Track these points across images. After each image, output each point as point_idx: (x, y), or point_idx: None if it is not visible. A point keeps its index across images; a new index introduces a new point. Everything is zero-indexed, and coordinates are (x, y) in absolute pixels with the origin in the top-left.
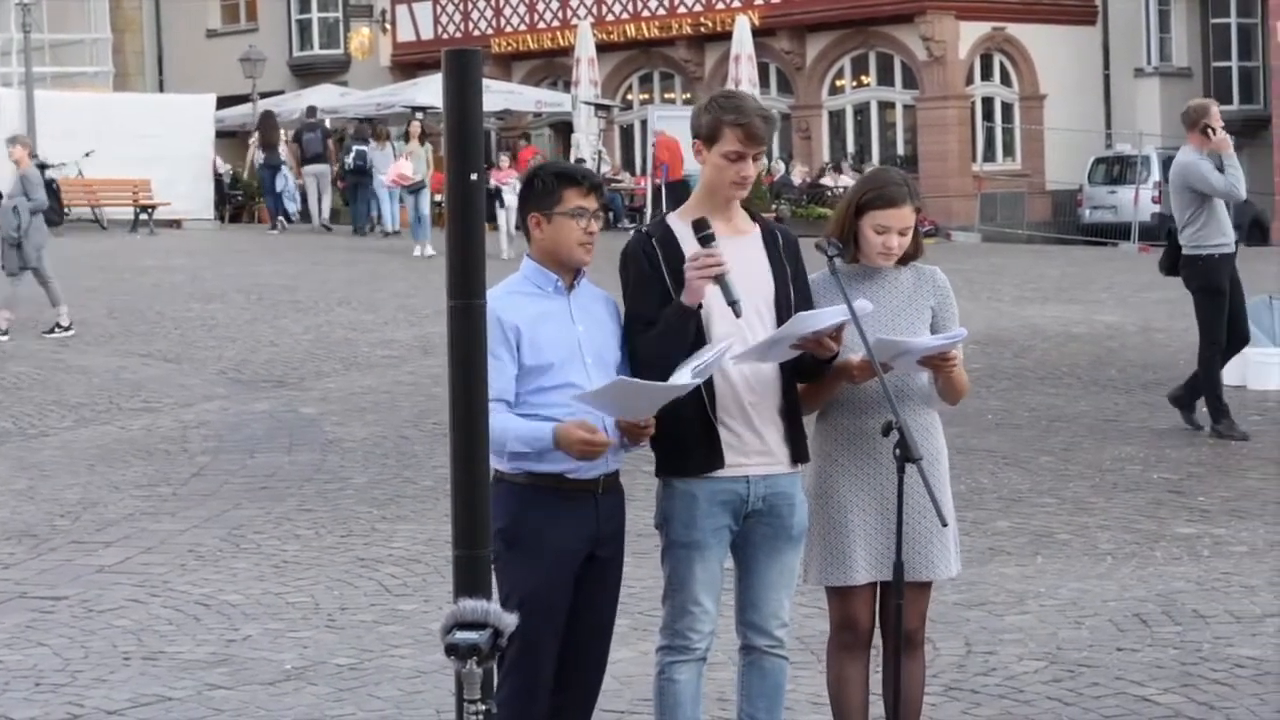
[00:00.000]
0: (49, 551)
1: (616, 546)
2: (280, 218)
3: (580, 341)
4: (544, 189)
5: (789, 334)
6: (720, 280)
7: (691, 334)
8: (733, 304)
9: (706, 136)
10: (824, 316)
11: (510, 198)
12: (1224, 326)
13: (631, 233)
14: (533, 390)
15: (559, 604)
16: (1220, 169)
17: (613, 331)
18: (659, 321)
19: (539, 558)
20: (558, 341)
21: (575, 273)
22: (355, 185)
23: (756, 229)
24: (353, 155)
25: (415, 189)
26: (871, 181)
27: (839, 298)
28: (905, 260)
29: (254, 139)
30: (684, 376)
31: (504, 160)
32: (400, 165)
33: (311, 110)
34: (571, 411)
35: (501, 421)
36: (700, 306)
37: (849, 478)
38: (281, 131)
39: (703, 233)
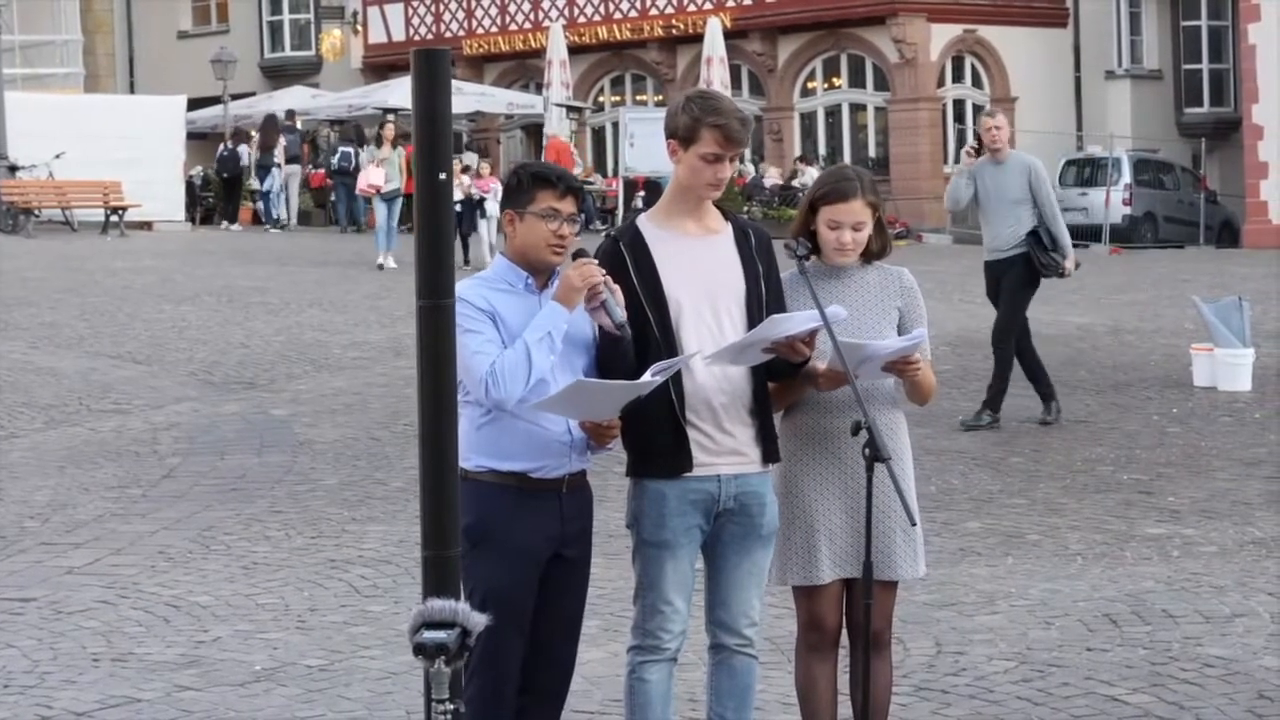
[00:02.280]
0: (18, 553)
1: (583, 546)
2: (270, 220)
3: None
4: (519, 187)
5: (761, 337)
6: (604, 303)
7: (627, 351)
8: (620, 326)
9: (684, 137)
10: (797, 320)
11: (493, 206)
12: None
13: (603, 235)
14: None
15: (523, 603)
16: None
17: (584, 333)
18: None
19: (502, 556)
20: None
21: (548, 274)
22: (341, 185)
23: (729, 227)
24: (338, 156)
25: (389, 198)
26: (825, 178)
27: (808, 298)
28: (871, 259)
29: (253, 139)
30: (644, 376)
31: (484, 168)
32: (369, 174)
33: (290, 114)
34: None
35: (512, 358)
36: (624, 329)
37: (814, 477)
38: (281, 137)
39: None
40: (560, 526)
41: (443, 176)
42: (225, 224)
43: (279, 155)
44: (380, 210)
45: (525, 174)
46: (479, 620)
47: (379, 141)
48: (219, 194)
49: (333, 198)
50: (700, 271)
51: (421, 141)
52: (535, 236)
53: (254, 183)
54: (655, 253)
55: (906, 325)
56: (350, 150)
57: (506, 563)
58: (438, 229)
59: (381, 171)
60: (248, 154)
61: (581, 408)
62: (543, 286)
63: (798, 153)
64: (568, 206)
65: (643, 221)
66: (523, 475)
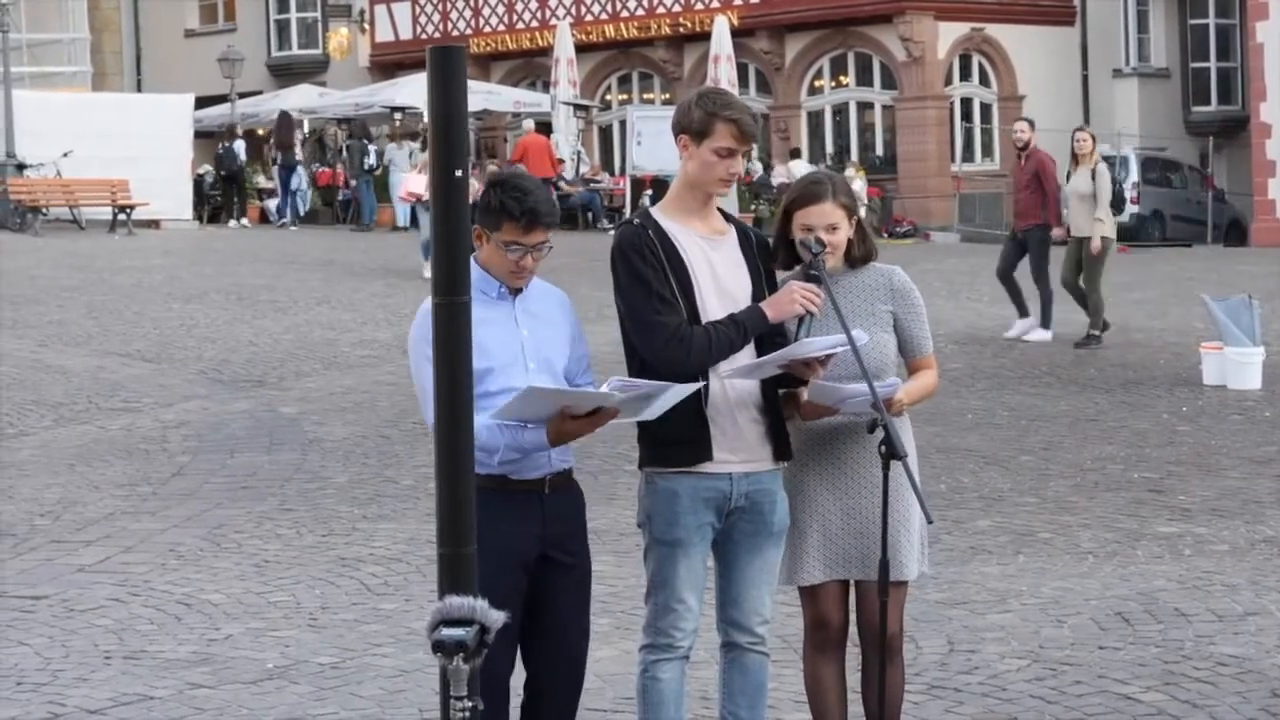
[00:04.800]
0: (29, 551)
1: (576, 547)
2: (289, 214)
3: (524, 345)
4: (488, 208)
5: (784, 357)
6: (806, 317)
7: (747, 344)
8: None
9: (697, 131)
10: (822, 343)
11: None
12: None
13: (613, 230)
14: (477, 395)
15: (509, 605)
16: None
17: (564, 331)
18: (727, 319)
19: (484, 559)
20: (499, 346)
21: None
22: (365, 183)
23: (731, 229)
24: (373, 154)
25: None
26: (796, 184)
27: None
28: (858, 262)
29: (271, 139)
30: (604, 387)
31: (492, 167)
32: (412, 180)
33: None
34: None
35: (489, 425)
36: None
37: (814, 476)
38: (298, 132)
39: (813, 269)
40: (544, 528)
41: (459, 174)
42: (234, 221)
43: (300, 153)
44: (424, 218)
45: (495, 199)
46: (497, 618)
47: (424, 144)
48: (225, 192)
49: (341, 196)
50: (717, 271)
51: (437, 138)
52: (497, 262)
53: (261, 180)
54: (681, 249)
55: (904, 330)
56: (380, 149)
57: (488, 566)
58: (453, 226)
59: (424, 178)
60: (244, 150)
61: (538, 412)
62: (516, 291)
63: (805, 151)
64: (534, 238)
65: (659, 215)
66: (503, 478)
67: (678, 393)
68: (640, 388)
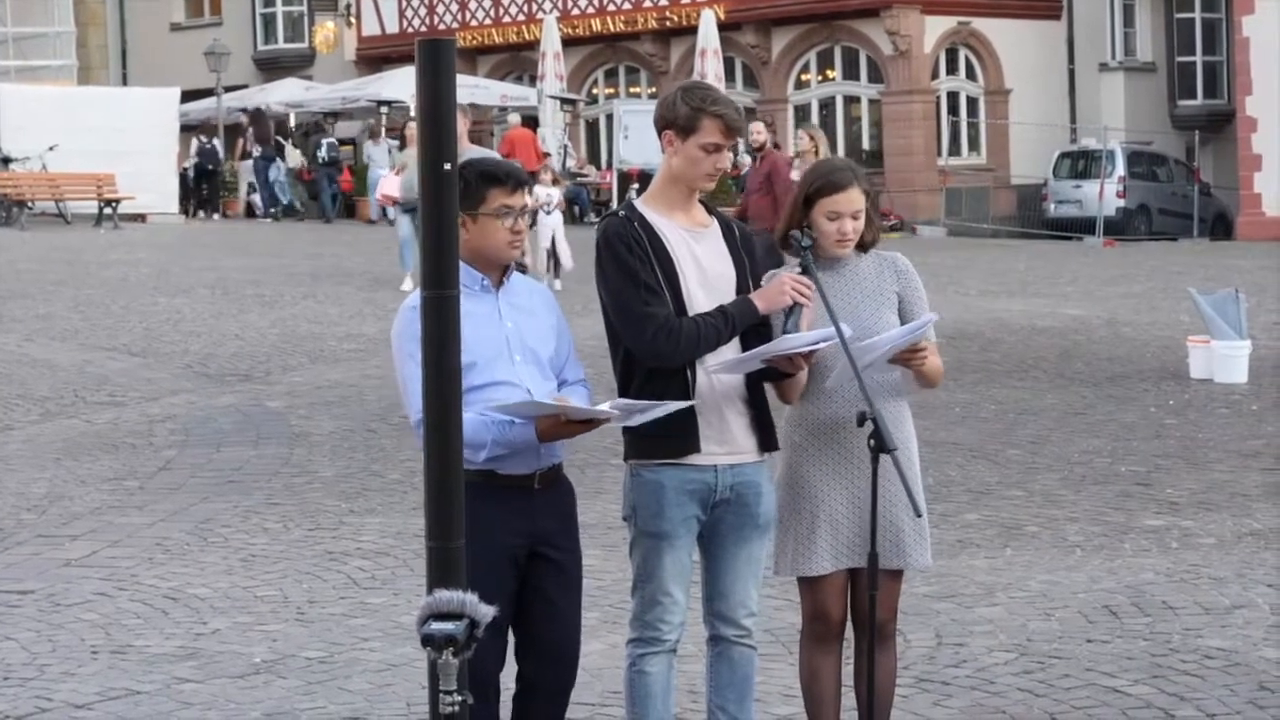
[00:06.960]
0: (15, 545)
1: (567, 543)
2: (273, 209)
3: (508, 338)
4: (467, 189)
5: (769, 352)
6: (794, 309)
7: (736, 335)
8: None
9: (684, 127)
10: (804, 338)
11: None
12: None
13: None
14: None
15: (496, 601)
16: None
17: (548, 324)
18: (715, 311)
19: (472, 555)
20: (483, 340)
21: (503, 269)
22: (326, 177)
23: (714, 221)
24: (325, 148)
25: (412, 208)
26: (816, 171)
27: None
28: (865, 248)
29: (249, 133)
30: (603, 405)
31: None
32: (387, 183)
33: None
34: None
35: (475, 421)
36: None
37: (819, 468)
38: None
39: (803, 261)
40: (533, 523)
41: (448, 167)
42: (214, 214)
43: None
44: (403, 224)
45: (472, 174)
46: (486, 612)
47: (403, 142)
48: (200, 186)
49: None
50: (701, 264)
51: (426, 131)
52: (493, 238)
53: (275, 173)
54: (667, 242)
55: (908, 311)
56: (335, 141)
57: (476, 561)
58: (442, 219)
59: (396, 180)
60: (222, 146)
61: (534, 413)
62: (498, 284)
63: (791, 145)
64: (519, 200)
65: (644, 208)
66: (490, 473)
67: (671, 408)
68: (639, 406)
